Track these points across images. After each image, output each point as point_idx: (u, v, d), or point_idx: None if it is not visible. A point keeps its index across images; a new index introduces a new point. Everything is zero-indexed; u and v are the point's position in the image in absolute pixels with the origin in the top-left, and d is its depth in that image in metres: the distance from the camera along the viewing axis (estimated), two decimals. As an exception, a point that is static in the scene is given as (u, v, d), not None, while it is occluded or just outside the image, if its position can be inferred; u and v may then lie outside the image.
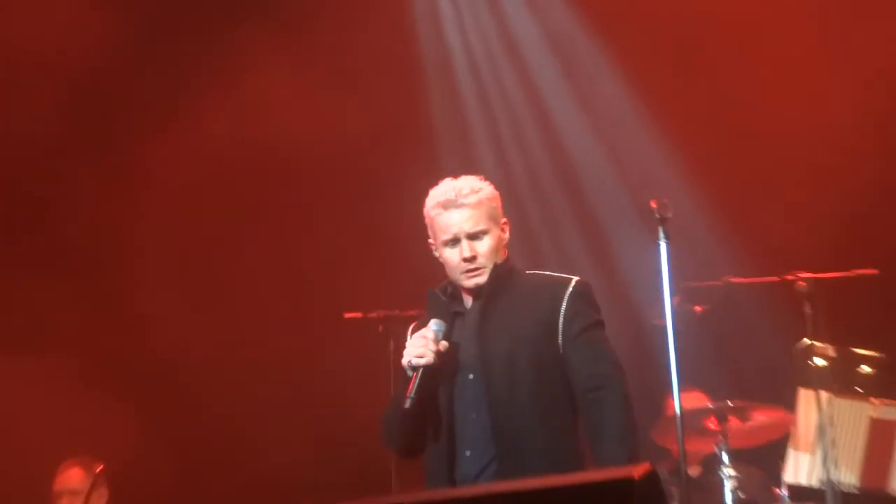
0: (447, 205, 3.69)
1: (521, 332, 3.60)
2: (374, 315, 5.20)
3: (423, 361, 3.55)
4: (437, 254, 3.75)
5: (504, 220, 3.78)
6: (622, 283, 5.70)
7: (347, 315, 5.28)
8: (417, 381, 3.53)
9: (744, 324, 5.60)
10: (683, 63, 5.92)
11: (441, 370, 3.58)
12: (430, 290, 3.77)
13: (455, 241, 3.67)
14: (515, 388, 3.55)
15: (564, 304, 3.60)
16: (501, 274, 3.70)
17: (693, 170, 5.87)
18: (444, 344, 3.58)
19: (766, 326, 5.45)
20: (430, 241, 3.76)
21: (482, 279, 3.67)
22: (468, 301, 3.73)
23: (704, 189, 5.80)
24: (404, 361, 3.60)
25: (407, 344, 3.63)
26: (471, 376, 3.59)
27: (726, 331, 5.56)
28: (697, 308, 5.15)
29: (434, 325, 3.60)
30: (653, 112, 6.07)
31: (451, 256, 3.67)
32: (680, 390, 3.69)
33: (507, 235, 3.78)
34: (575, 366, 3.57)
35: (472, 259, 3.65)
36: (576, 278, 3.68)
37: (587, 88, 6.27)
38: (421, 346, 3.56)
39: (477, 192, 3.71)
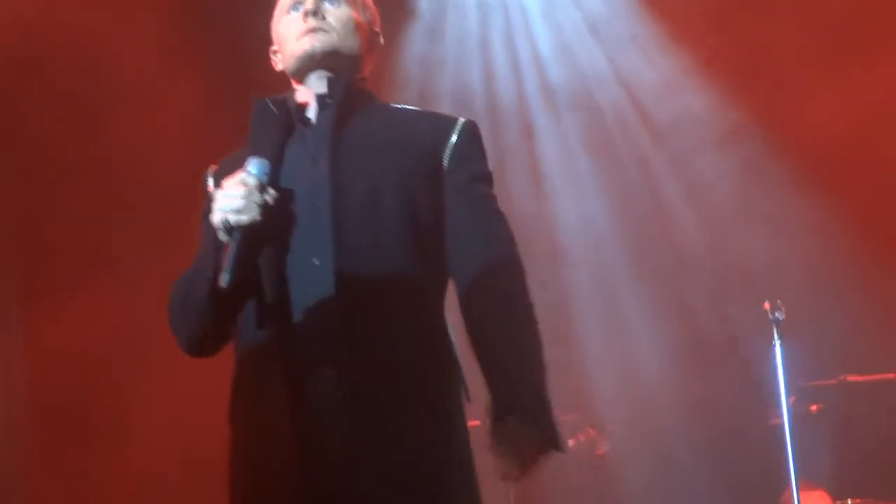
0: None
1: (389, 160, 2.61)
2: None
3: (244, 219, 2.46)
4: (276, 58, 2.82)
5: (378, 30, 2.86)
6: (737, 381, 5.67)
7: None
8: (236, 248, 2.45)
9: (862, 421, 5.57)
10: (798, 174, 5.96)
11: (267, 230, 2.50)
12: (256, 98, 2.71)
13: (297, 5, 2.75)
14: (377, 231, 2.55)
15: (453, 140, 2.67)
16: (361, 89, 2.74)
17: (808, 264, 5.85)
18: (272, 193, 2.51)
19: (884, 424, 5.40)
20: (274, 47, 2.84)
21: (320, 41, 2.68)
22: (312, 111, 2.70)
23: (820, 284, 5.78)
24: (216, 219, 2.47)
25: (218, 195, 2.50)
26: (316, 210, 2.54)
27: (844, 429, 5.48)
28: (813, 407, 5.12)
29: (254, 165, 2.53)
30: (763, 206, 6.11)
31: (290, 23, 2.74)
32: (801, 488, 3.73)
33: (377, 44, 2.85)
34: (462, 223, 2.62)
35: (316, 13, 2.70)
36: (465, 118, 2.76)
37: (696, 176, 6.31)
38: (240, 198, 2.47)
39: None
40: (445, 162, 2.66)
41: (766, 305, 4.37)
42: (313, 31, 2.69)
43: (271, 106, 2.67)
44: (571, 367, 5.82)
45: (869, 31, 5.91)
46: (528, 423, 2.44)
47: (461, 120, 2.72)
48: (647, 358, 5.96)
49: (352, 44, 2.73)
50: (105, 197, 5.65)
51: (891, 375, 5.08)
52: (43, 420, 5.62)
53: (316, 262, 2.50)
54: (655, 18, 6.34)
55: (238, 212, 2.46)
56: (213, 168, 2.74)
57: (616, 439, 5.59)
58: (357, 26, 2.75)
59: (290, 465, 2.43)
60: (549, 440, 2.46)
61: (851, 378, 5.19)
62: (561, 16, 6.51)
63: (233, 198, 2.47)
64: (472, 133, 2.72)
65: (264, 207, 2.48)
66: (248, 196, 2.47)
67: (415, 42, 6.41)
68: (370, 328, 2.48)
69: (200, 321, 2.57)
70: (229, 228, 2.46)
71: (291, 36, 2.72)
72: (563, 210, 6.36)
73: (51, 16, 5.51)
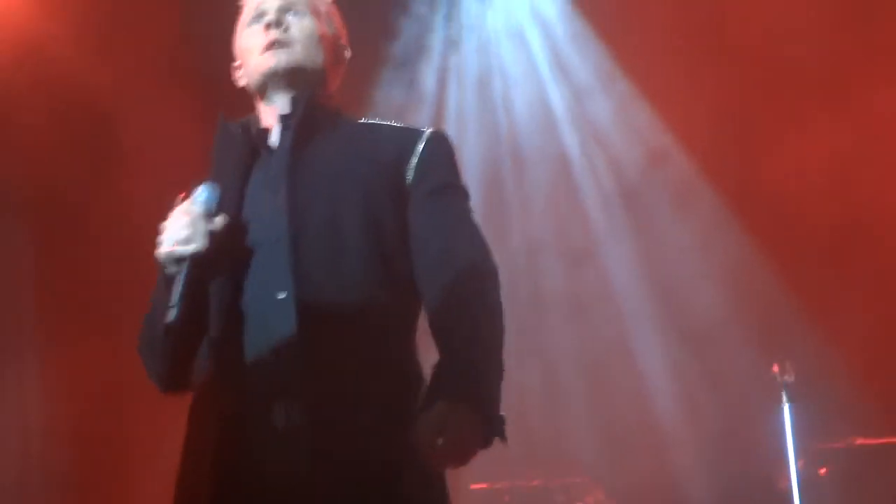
0: None
1: (351, 181, 2.48)
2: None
3: (189, 249, 2.37)
4: (239, 73, 2.68)
5: (344, 43, 2.71)
6: (745, 443, 5.67)
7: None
8: (184, 278, 2.36)
9: (872, 486, 5.54)
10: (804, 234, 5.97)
11: (217, 259, 2.41)
12: (220, 116, 2.62)
13: (260, 17, 2.63)
14: (339, 258, 2.42)
15: (417, 153, 2.52)
16: (322, 104, 2.60)
17: (818, 324, 5.84)
18: (219, 220, 2.42)
19: (894, 489, 5.39)
20: (237, 62, 2.69)
21: (282, 56, 2.56)
22: (275, 134, 2.57)
23: (830, 345, 5.75)
24: (161, 251, 2.39)
25: (164, 226, 2.43)
26: (276, 240, 2.42)
27: (854, 493, 5.48)
28: (822, 471, 5.10)
29: (201, 192, 2.44)
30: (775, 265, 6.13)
31: (252, 36, 2.61)
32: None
33: (344, 58, 2.71)
34: (423, 235, 2.47)
35: (278, 25, 2.58)
36: (434, 129, 2.61)
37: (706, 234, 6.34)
38: (186, 227, 2.38)
39: None
40: (409, 176, 2.51)
41: (776, 368, 4.40)
42: (275, 44, 2.56)
43: (232, 130, 2.56)
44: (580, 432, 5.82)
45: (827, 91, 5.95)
46: (477, 412, 2.29)
47: (427, 130, 2.57)
48: (654, 422, 5.98)
49: (316, 57, 2.59)
50: (118, 249, 5.72)
51: (900, 439, 5.07)
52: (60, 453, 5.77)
53: (279, 295, 2.36)
54: (625, 75, 6.43)
55: (184, 242, 2.37)
56: (181, 197, 2.52)
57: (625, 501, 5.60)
58: (321, 38, 2.61)
59: (242, 487, 2.32)
60: (494, 431, 2.31)
61: (862, 441, 5.18)
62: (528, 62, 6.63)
63: (178, 228, 2.38)
64: (438, 143, 2.56)
65: (211, 236, 2.38)
66: (192, 225, 2.38)
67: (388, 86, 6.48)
68: (334, 360, 2.34)
69: (162, 358, 2.47)
70: (176, 259, 2.37)
71: (254, 49, 2.58)
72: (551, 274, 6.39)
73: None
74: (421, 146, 2.53)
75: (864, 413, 5.53)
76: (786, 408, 4.42)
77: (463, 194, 2.55)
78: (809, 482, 4.72)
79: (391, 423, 2.35)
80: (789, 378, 4.40)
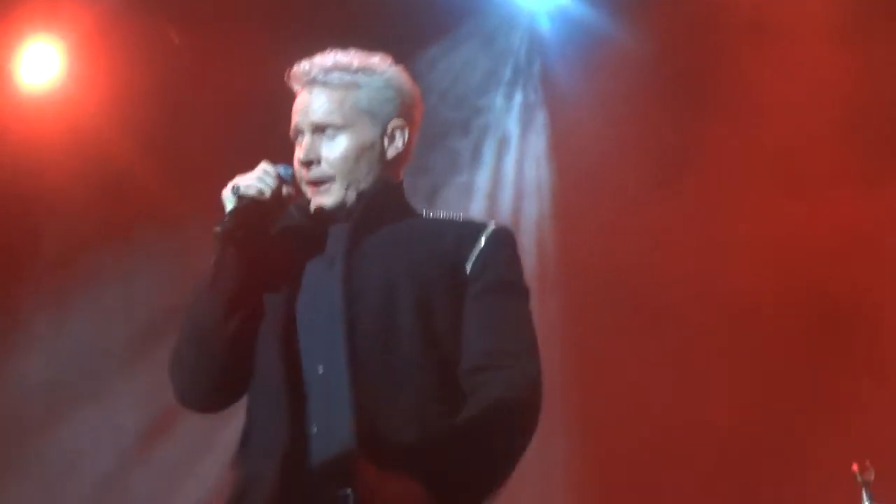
0: (299, 79, 2.57)
1: (409, 268, 2.45)
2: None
3: (252, 189, 2.42)
4: None
5: (399, 122, 2.56)
6: None
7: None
8: (236, 205, 2.43)
9: None
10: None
11: (272, 214, 2.48)
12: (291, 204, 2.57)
13: (296, 135, 2.57)
14: (392, 339, 2.38)
15: (479, 246, 2.48)
16: (385, 197, 2.54)
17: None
18: (288, 189, 2.48)
19: None
20: None
21: (327, 199, 2.50)
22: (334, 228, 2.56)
23: None
24: (226, 188, 2.44)
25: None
26: (327, 321, 2.39)
27: None
28: None
29: (283, 167, 2.51)
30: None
31: (296, 152, 2.58)
32: None
33: (399, 145, 2.57)
34: (468, 333, 2.43)
35: (308, 164, 2.50)
36: (496, 221, 2.58)
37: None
38: (256, 175, 2.46)
39: (348, 69, 2.53)
40: (468, 268, 2.47)
41: (855, 467, 4.31)
42: (314, 185, 2.52)
43: (293, 210, 2.56)
44: None
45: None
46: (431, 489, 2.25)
47: (491, 225, 2.55)
48: None
49: (363, 172, 2.52)
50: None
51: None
52: None
53: (321, 371, 2.36)
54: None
55: (249, 185, 2.43)
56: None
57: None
58: (361, 151, 2.52)
59: None
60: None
61: None
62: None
63: (249, 175, 2.45)
64: (501, 239, 2.53)
65: (277, 190, 2.44)
66: (263, 175, 2.45)
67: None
68: (385, 440, 2.31)
69: (210, 356, 2.42)
70: (236, 193, 2.43)
71: (300, 173, 2.55)
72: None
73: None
74: (482, 239, 2.49)
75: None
76: (868, 506, 4.33)
77: (522, 293, 2.52)
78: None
79: None
80: (869, 477, 4.31)
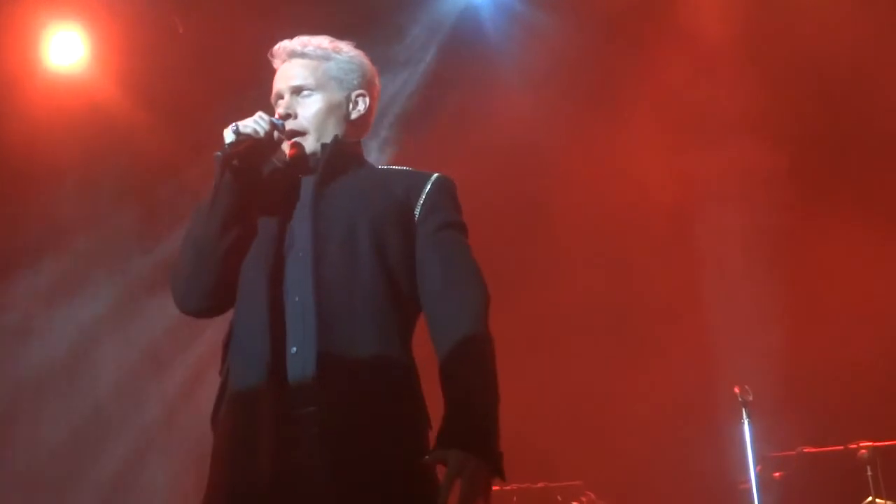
0: (280, 55, 3.02)
1: (366, 210, 2.83)
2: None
3: (249, 130, 2.79)
4: None
5: (360, 91, 3.01)
6: (714, 449, 5.92)
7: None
8: (237, 143, 2.78)
9: (816, 486, 5.82)
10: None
11: (265, 153, 2.85)
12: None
13: (277, 99, 2.99)
14: (353, 269, 2.75)
15: (424, 194, 2.87)
16: (345, 150, 2.93)
17: (772, 347, 6.26)
18: (278, 134, 2.86)
19: (835, 488, 5.76)
20: None
21: (301, 149, 2.92)
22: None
23: (781, 366, 6.17)
24: (227, 130, 2.79)
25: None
26: (300, 254, 2.77)
27: (802, 494, 5.76)
28: (776, 475, 5.58)
29: (275, 117, 2.90)
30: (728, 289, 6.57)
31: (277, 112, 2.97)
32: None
33: (361, 109, 3.00)
34: (428, 266, 2.80)
35: (287, 117, 2.91)
36: (439, 173, 2.96)
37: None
38: (253, 119, 2.82)
39: (321, 45, 2.99)
40: (417, 212, 2.84)
41: (737, 389, 4.92)
42: (291, 135, 2.89)
43: (276, 161, 2.91)
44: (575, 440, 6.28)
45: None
46: (476, 454, 2.54)
47: (435, 175, 2.91)
48: (639, 433, 6.38)
49: (331, 128, 2.91)
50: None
51: (839, 447, 5.58)
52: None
53: (297, 299, 2.71)
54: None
55: (246, 125, 2.78)
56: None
57: (612, 500, 6.03)
58: (330, 110, 2.92)
59: (264, 477, 2.57)
60: (494, 469, 2.58)
61: (808, 450, 5.69)
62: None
63: (248, 119, 2.80)
64: (443, 186, 2.90)
65: (269, 132, 2.79)
66: (259, 119, 2.80)
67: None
68: (346, 364, 2.63)
69: (211, 258, 2.76)
70: (235, 130, 2.76)
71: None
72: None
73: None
74: (428, 186, 2.89)
75: (811, 426, 5.99)
76: (746, 423, 4.90)
77: (462, 230, 2.91)
78: (766, 484, 5.19)
79: (395, 411, 2.67)
80: (748, 398, 4.90)
